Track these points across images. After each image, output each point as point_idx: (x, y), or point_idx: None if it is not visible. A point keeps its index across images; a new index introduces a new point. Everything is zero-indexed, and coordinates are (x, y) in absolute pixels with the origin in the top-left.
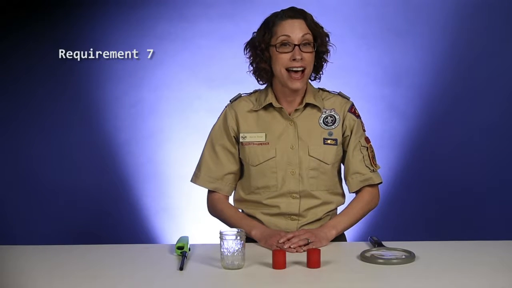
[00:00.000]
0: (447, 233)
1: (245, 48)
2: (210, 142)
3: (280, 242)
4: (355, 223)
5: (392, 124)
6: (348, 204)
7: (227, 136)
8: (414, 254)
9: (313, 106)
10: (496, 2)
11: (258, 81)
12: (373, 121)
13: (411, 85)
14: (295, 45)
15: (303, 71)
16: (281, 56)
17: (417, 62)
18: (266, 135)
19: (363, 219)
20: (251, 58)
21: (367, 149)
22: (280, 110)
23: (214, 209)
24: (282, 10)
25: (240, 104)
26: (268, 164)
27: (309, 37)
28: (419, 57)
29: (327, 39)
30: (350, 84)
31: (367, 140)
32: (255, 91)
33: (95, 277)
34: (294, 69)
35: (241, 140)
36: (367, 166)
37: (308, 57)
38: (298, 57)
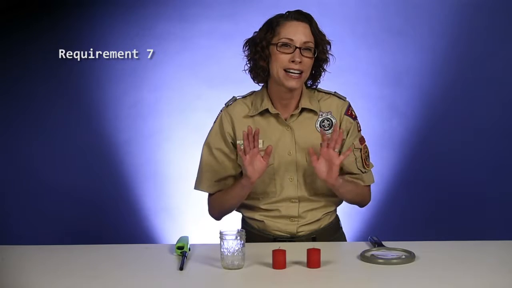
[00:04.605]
0: (447, 233)
1: (245, 45)
2: (208, 147)
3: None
4: (348, 198)
5: (392, 124)
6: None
7: (224, 141)
8: (414, 254)
9: (309, 110)
10: (496, 2)
11: (253, 80)
12: (373, 121)
13: (411, 85)
14: (296, 47)
15: (300, 73)
16: (281, 56)
17: (417, 62)
18: (263, 142)
19: (362, 218)
20: (250, 55)
21: (361, 151)
22: (276, 116)
23: (215, 203)
24: (288, 12)
25: (235, 109)
26: (266, 171)
27: (311, 42)
28: (419, 57)
29: (328, 47)
30: (350, 84)
31: (361, 140)
32: (251, 93)
33: (95, 277)
34: (292, 71)
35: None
36: (359, 168)
37: (307, 62)
38: (297, 59)
